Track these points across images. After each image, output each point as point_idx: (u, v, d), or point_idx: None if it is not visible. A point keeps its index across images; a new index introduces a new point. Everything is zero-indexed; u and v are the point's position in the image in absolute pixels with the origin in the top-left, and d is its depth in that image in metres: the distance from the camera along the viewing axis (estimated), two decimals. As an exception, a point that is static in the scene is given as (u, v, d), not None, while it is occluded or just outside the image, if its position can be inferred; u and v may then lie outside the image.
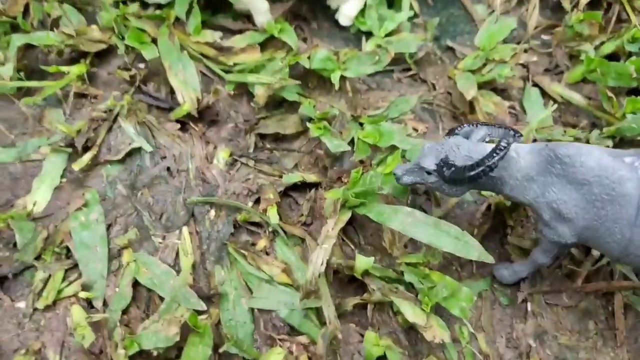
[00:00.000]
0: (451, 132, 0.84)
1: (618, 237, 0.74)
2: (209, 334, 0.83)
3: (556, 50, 1.27)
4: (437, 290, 0.86)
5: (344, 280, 0.95)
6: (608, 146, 1.04)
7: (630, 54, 1.20)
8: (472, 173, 0.76)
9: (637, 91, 1.19)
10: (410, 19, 1.27)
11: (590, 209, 0.75)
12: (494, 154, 0.75)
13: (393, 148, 1.02)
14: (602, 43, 1.24)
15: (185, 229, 0.97)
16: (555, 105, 1.11)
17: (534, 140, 1.10)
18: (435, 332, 0.85)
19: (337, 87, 1.10)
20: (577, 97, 1.19)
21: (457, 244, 0.85)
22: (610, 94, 1.13)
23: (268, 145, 1.09)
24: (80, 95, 1.10)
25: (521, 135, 0.81)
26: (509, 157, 0.78)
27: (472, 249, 0.85)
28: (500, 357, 0.93)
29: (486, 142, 0.83)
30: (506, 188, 0.81)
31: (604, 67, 1.13)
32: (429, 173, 0.82)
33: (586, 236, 0.79)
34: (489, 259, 0.85)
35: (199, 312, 0.87)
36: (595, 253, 0.98)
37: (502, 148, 0.74)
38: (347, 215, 0.92)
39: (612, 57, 1.23)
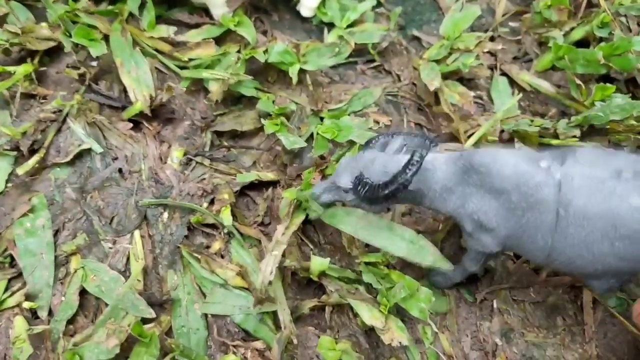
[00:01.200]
0: (367, 145, 0.81)
1: (541, 244, 0.71)
2: (155, 343, 0.79)
3: (525, 38, 1.24)
4: (395, 291, 0.83)
5: (302, 281, 0.92)
6: (575, 136, 1.01)
7: (601, 40, 1.17)
8: (386, 192, 0.72)
9: (608, 78, 1.16)
10: (374, 8, 1.23)
11: (510, 217, 0.71)
12: (407, 170, 0.71)
13: (353, 143, 0.99)
14: (572, 29, 1.21)
15: (137, 233, 0.93)
16: (520, 95, 1.08)
17: (501, 132, 1.07)
18: (394, 334, 0.81)
19: (295, 80, 1.06)
20: (545, 86, 1.16)
21: (411, 248, 0.81)
22: (579, 81, 1.10)
23: (225, 143, 1.06)
24: (29, 96, 1.05)
25: (437, 144, 0.78)
26: (425, 169, 0.74)
27: (427, 254, 0.81)
28: (465, 357, 0.90)
29: (404, 152, 0.79)
30: (426, 201, 0.78)
31: (572, 54, 1.09)
32: (346, 191, 0.80)
33: (510, 244, 0.76)
34: (446, 265, 0.81)
35: (149, 320, 0.84)
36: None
37: (415, 162, 0.71)
38: (300, 218, 0.88)
39: (583, 43, 1.20)
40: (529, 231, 0.71)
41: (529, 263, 0.96)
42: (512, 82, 1.18)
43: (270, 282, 0.80)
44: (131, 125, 1.04)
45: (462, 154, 0.75)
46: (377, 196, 0.73)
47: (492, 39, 1.22)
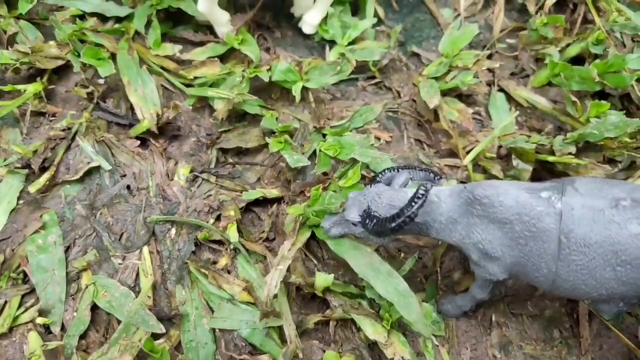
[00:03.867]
0: (373, 180, 0.84)
1: (545, 272, 0.74)
2: (166, 358, 0.82)
3: (522, 54, 1.27)
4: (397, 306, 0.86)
5: (307, 296, 0.94)
6: (571, 153, 1.04)
7: (596, 56, 1.20)
8: (393, 225, 0.74)
9: (603, 93, 1.19)
10: (374, 25, 1.26)
11: (515, 246, 0.74)
12: (413, 203, 0.73)
13: (355, 161, 1.02)
14: (568, 45, 1.24)
15: (145, 249, 0.96)
16: (517, 113, 1.11)
17: (499, 147, 1.09)
18: (396, 348, 0.84)
19: (298, 99, 1.09)
20: (542, 102, 1.18)
21: (400, 300, 0.84)
22: (574, 98, 1.12)
23: (230, 160, 1.08)
24: (38, 114, 1.08)
25: (441, 177, 0.81)
26: (431, 202, 0.77)
27: (412, 312, 0.83)
28: (465, 370, 0.93)
29: (409, 186, 0.82)
30: (432, 232, 0.81)
31: (568, 71, 1.12)
32: (354, 225, 0.82)
33: (516, 272, 0.78)
34: (425, 330, 0.84)
35: (159, 335, 0.86)
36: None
37: (420, 196, 0.73)
38: (306, 235, 0.91)
39: (578, 58, 1.23)
40: (532, 259, 0.73)
41: (527, 277, 0.99)
42: (510, 98, 1.20)
43: (275, 295, 0.83)
44: (138, 142, 1.07)
45: (465, 186, 0.77)
46: (384, 229, 0.76)
47: (489, 56, 1.25)
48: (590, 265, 0.70)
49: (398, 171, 0.83)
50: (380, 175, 0.83)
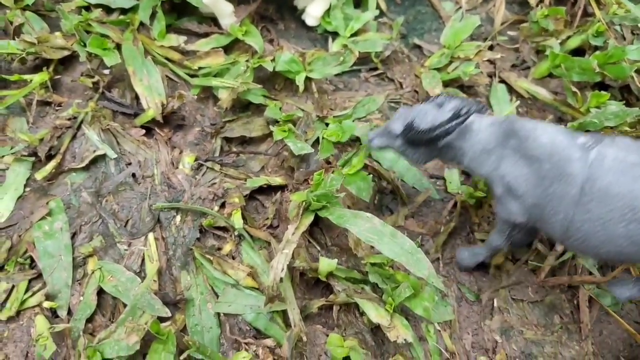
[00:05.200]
0: (426, 101, 0.85)
1: (561, 217, 0.73)
2: (172, 340, 0.83)
3: (523, 46, 1.28)
4: (400, 290, 0.87)
5: (311, 281, 0.96)
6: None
7: (596, 48, 1.21)
8: (429, 135, 0.78)
9: (603, 85, 1.20)
10: (376, 17, 1.27)
11: (539, 185, 0.74)
12: (452, 120, 0.76)
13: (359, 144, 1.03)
14: (568, 37, 1.25)
15: (151, 235, 0.97)
16: (518, 102, 1.12)
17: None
18: (399, 332, 0.85)
19: (301, 89, 1.10)
20: (543, 93, 1.20)
21: (409, 258, 0.85)
22: (574, 88, 1.14)
23: (234, 149, 1.09)
24: (44, 103, 1.09)
25: (487, 109, 0.82)
26: (470, 128, 0.80)
27: (423, 267, 0.84)
28: (466, 354, 0.94)
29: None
30: (466, 159, 0.82)
31: (568, 62, 1.14)
32: (396, 136, 0.85)
33: (534, 214, 0.77)
34: (438, 283, 0.84)
35: (164, 319, 0.87)
36: (559, 248, 0.99)
37: (461, 115, 0.76)
38: (309, 219, 0.92)
39: (578, 51, 1.24)
40: (552, 202, 0.73)
41: (528, 264, 1.00)
42: (511, 89, 1.21)
43: (281, 279, 0.84)
44: (144, 131, 1.08)
45: (507, 117, 0.78)
46: (420, 138, 0.80)
47: (491, 47, 1.26)
48: (606, 217, 0.69)
49: (450, 99, 0.84)
50: (433, 98, 0.85)
